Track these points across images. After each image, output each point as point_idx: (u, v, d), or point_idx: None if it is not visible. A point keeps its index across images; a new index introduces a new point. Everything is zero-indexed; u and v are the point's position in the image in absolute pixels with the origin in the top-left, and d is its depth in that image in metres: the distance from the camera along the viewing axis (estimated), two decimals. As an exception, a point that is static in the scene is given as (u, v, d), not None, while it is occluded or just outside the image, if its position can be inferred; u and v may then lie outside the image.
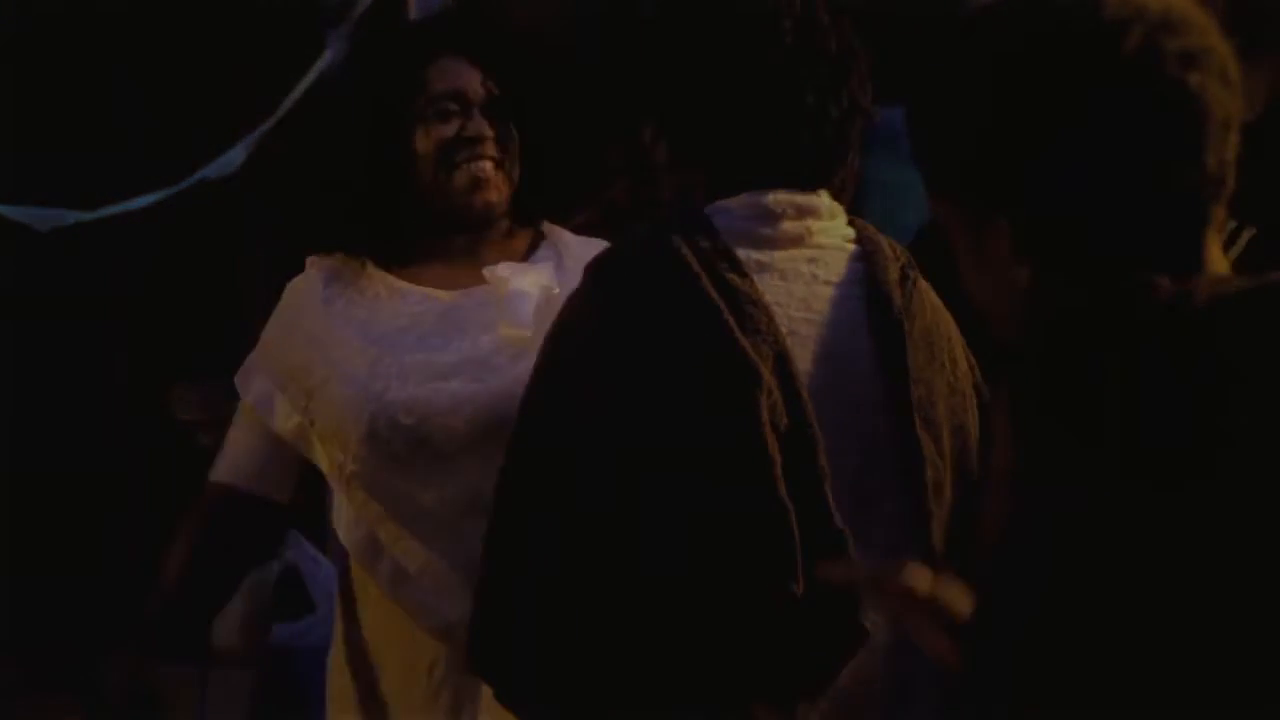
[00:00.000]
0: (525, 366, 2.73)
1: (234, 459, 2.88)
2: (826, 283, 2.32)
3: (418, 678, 2.79)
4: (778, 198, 2.31)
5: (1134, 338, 1.94)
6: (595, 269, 2.32)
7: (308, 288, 2.86)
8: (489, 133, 2.80)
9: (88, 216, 3.87)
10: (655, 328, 2.23)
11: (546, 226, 2.92)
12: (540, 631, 2.23)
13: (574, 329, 2.29)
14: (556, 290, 2.79)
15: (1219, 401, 1.95)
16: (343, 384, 2.76)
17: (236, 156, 3.93)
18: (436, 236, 2.84)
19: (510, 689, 2.29)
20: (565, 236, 2.91)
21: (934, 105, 1.96)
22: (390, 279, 2.84)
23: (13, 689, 4.08)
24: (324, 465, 2.82)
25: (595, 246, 2.87)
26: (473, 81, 2.82)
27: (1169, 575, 1.96)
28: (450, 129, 2.79)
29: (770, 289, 2.27)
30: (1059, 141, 1.89)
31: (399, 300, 2.82)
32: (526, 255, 2.88)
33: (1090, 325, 1.97)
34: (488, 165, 2.80)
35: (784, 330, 2.26)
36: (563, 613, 2.21)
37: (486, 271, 2.81)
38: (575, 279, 2.81)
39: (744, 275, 2.25)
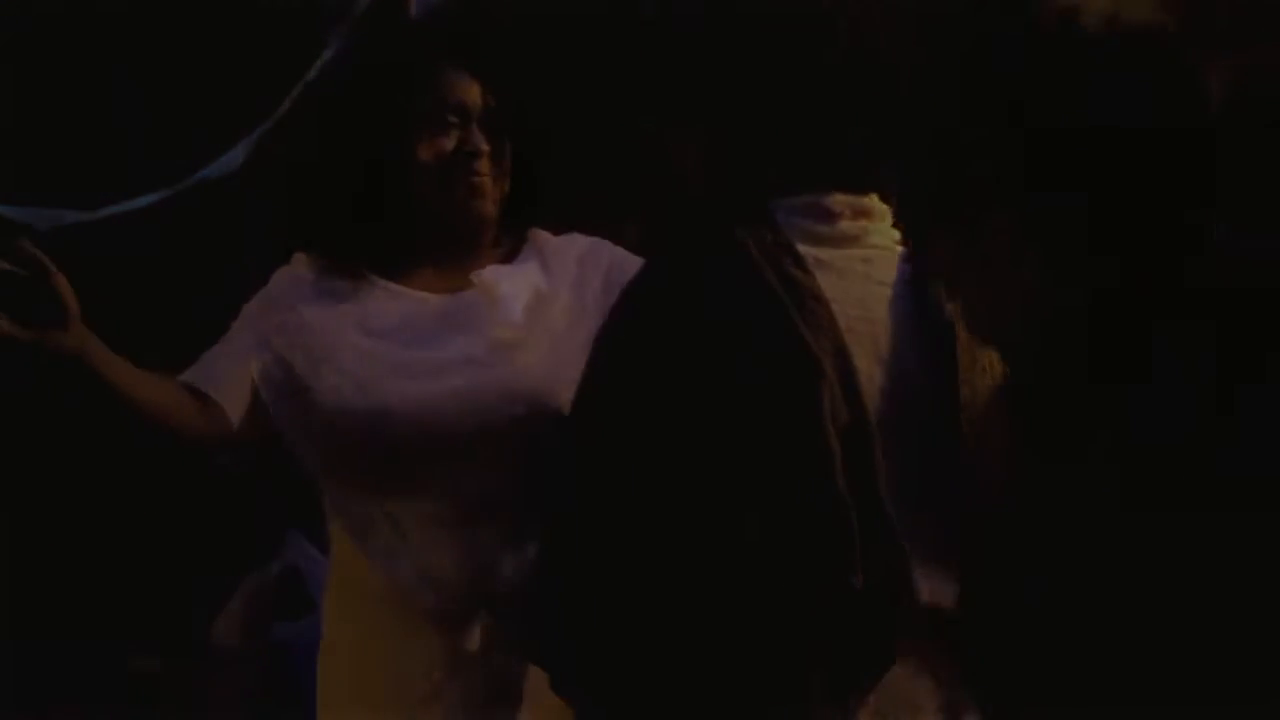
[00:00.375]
0: (520, 364, 2.76)
1: (202, 368, 2.83)
2: (880, 283, 2.37)
3: (412, 679, 2.79)
4: (837, 198, 2.35)
5: (1136, 335, 1.95)
6: (657, 259, 2.34)
7: (300, 276, 2.88)
8: (485, 147, 2.83)
9: (88, 217, 3.87)
10: (718, 319, 2.25)
11: (530, 230, 2.94)
12: (598, 621, 2.25)
13: (633, 318, 2.30)
14: (545, 289, 2.82)
15: (1223, 399, 1.96)
16: (339, 376, 2.78)
17: (236, 156, 3.93)
18: (425, 242, 2.87)
19: (566, 679, 2.30)
20: (545, 237, 2.93)
21: (930, 109, 1.98)
22: (381, 281, 2.86)
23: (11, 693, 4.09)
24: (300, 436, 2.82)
25: (574, 243, 2.91)
26: (473, 94, 2.85)
27: (1169, 571, 1.97)
28: (450, 141, 2.83)
29: (828, 286, 2.30)
30: (1066, 129, 1.90)
31: (391, 301, 2.85)
32: (510, 259, 2.90)
33: (1091, 324, 1.98)
34: (484, 182, 2.82)
35: (843, 327, 2.28)
36: (621, 603, 2.24)
37: (474, 276, 2.84)
38: (560, 276, 2.86)
39: (806, 271, 2.28)
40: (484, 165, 2.83)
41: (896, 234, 2.43)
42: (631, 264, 2.61)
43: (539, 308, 2.82)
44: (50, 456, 4.24)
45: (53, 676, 4.08)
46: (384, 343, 2.80)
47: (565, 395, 2.51)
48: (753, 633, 2.24)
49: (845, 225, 2.36)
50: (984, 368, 2.41)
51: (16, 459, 4.17)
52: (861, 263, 2.37)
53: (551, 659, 2.32)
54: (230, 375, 2.80)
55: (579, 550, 2.26)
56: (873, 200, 2.40)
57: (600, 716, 2.30)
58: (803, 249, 2.31)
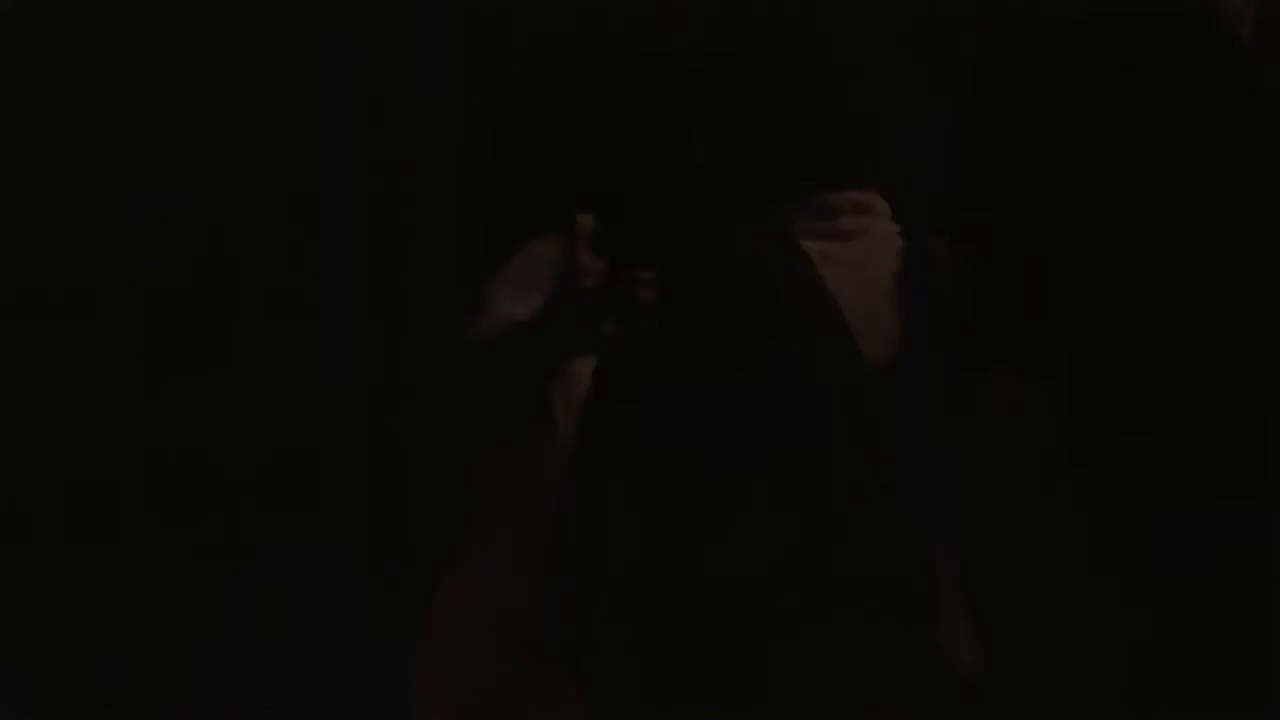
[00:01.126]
0: None
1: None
2: (883, 276, 2.40)
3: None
4: (839, 195, 2.39)
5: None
6: (665, 260, 2.36)
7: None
8: None
9: (90, 216, 3.89)
10: (727, 316, 2.29)
11: None
12: (634, 627, 2.28)
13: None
14: None
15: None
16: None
17: (236, 157, 3.95)
18: None
19: (603, 682, 2.33)
20: None
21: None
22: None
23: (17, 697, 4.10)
24: None
25: None
26: None
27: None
28: None
29: (834, 280, 2.34)
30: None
31: None
32: None
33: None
34: None
35: (850, 321, 2.32)
36: (656, 610, 2.27)
37: None
38: None
39: (813, 266, 2.33)
40: None
41: (897, 228, 2.46)
42: None
43: None
44: (51, 456, 4.25)
45: (54, 676, 4.09)
46: None
47: None
48: (769, 627, 2.27)
49: (847, 221, 2.40)
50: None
51: (17, 459, 4.19)
52: (865, 255, 2.40)
53: (584, 661, 2.34)
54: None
55: (607, 557, 2.28)
56: (872, 195, 2.43)
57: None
58: (807, 244, 2.35)
